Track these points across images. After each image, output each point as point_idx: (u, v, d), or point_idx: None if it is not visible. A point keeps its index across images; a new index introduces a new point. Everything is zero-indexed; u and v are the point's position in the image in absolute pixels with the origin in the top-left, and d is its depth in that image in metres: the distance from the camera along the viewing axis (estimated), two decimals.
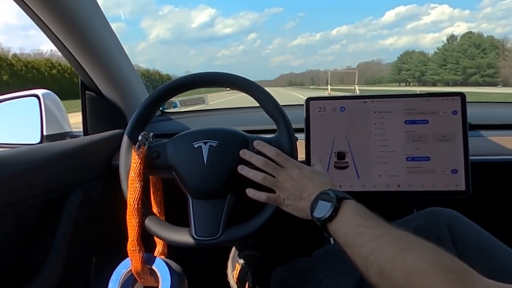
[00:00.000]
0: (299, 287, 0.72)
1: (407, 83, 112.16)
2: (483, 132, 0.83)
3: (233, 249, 0.95)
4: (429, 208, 0.63)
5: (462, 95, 0.72)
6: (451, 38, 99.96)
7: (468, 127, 0.76)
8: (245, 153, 0.60)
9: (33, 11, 0.66)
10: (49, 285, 0.66)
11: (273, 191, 0.57)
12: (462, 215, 0.61)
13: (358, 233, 0.44)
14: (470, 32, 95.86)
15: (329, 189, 0.51)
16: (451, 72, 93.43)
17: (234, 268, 0.90)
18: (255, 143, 0.61)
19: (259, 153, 0.61)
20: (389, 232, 0.43)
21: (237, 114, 1.17)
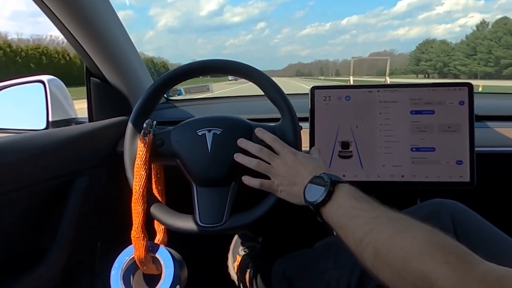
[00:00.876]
0: (300, 280, 0.77)
1: (426, 75, 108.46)
2: (490, 124, 0.87)
3: (234, 240, 1.00)
4: (433, 200, 0.67)
5: (469, 85, 0.76)
6: (482, 24, 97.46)
7: (475, 118, 0.80)
8: (242, 142, 0.65)
9: None
10: (55, 269, 0.72)
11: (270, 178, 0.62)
12: (465, 207, 0.65)
13: (353, 216, 0.47)
14: (505, 18, 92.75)
15: (323, 173, 0.54)
16: (482, 62, 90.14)
17: (235, 260, 0.96)
18: (256, 130, 0.66)
19: (260, 141, 0.66)
20: (385, 214, 0.45)
21: (242, 102, 1.23)
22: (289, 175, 0.59)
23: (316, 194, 0.52)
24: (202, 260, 1.02)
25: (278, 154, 0.62)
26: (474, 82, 0.97)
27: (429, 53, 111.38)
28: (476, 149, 0.77)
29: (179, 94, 1.16)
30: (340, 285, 0.66)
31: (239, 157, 0.64)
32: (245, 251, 0.94)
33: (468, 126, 0.76)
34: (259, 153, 0.63)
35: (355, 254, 0.46)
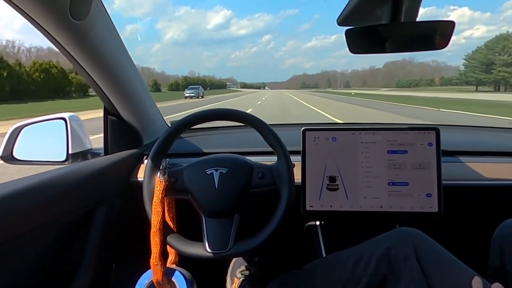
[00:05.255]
0: None
1: (500, 87, 72.72)
2: (462, 158, 1.02)
3: (231, 264, 1.13)
4: (400, 228, 0.82)
5: (437, 130, 0.91)
6: None
7: (447, 153, 0.95)
8: None
9: (70, 54, 0.86)
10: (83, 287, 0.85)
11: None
12: (426, 235, 0.78)
13: None
14: None
15: None
16: None
17: (232, 282, 1.09)
18: None
19: (262, 177, 0.80)
20: None
21: (237, 133, 1.38)
22: None
23: None
24: (206, 277, 1.15)
25: None
26: None
27: None
28: (444, 182, 0.91)
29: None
30: None
31: None
32: (242, 274, 1.08)
33: (436, 164, 0.90)
34: None
35: None
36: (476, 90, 70.47)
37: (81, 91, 43.56)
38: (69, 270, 0.84)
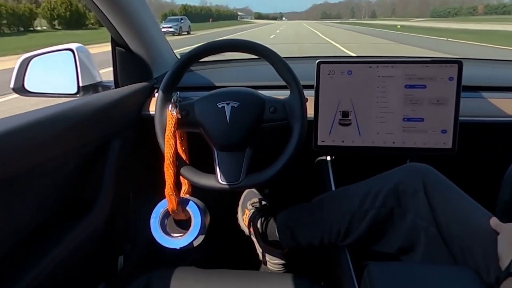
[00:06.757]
0: (299, 229, 0.94)
1: None
2: (483, 94, 0.98)
3: (242, 196, 1.18)
4: (410, 164, 0.82)
5: (459, 63, 0.86)
6: None
7: (468, 88, 0.91)
8: None
9: None
10: (101, 216, 0.89)
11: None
12: (435, 170, 0.78)
13: None
14: None
15: None
16: None
17: (243, 213, 1.14)
18: None
19: (274, 112, 0.79)
20: None
21: (252, 66, 1.34)
22: None
23: None
24: (218, 208, 1.20)
25: None
26: None
27: None
28: (461, 118, 0.89)
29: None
30: (332, 233, 0.84)
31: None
32: (252, 205, 1.12)
33: (454, 100, 0.87)
34: None
35: None
36: None
37: (20, 24, 32.15)
38: (88, 199, 0.88)
